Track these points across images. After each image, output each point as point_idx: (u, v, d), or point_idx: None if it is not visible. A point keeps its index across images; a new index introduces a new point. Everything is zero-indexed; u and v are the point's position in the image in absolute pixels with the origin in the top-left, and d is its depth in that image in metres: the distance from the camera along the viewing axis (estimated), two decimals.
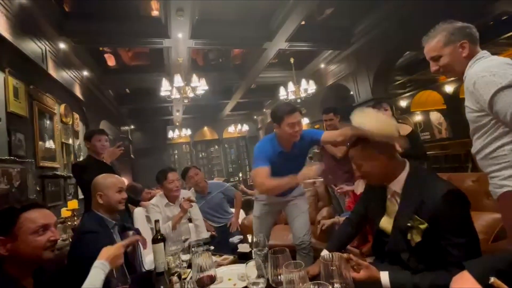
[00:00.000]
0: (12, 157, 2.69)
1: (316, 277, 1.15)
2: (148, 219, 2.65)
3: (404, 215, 1.13)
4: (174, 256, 1.41)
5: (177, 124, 10.21)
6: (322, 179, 3.23)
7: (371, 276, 1.07)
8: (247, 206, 3.61)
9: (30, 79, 3.26)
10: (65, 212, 3.04)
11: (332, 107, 3.14)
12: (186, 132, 9.98)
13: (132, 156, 9.04)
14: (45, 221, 1.09)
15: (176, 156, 10.95)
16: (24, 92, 3.08)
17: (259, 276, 1.05)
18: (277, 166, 1.84)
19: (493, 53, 1.22)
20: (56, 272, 1.27)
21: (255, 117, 11.49)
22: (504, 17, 5.46)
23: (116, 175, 1.77)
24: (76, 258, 1.36)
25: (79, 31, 4.09)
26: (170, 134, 10.13)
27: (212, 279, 1.07)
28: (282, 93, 5.85)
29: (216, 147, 11.50)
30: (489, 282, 0.69)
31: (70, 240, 2.37)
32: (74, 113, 4.64)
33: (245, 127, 10.73)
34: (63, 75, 4.26)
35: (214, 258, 1.60)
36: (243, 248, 1.74)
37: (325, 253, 1.31)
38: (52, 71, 3.80)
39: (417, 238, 1.06)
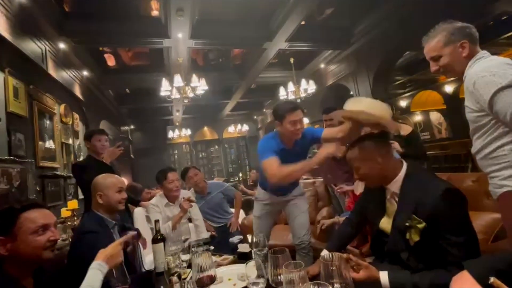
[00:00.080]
0: (12, 157, 2.70)
1: (316, 277, 1.15)
2: (148, 219, 2.65)
3: (402, 215, 1.13)
4: (174, 256, 1.41)
5: (177, 124, 10.21)
6: (322, 179, 3.23)
7: (370, 276, 1.07)
8: (247, 206, 3.61)
9: (30, 79, 3.26)
10: (65, 212, 3.04)
11: (332, 107, 3.13)
12: (186, 132, 9.98)
13: (132, 156, 9.04)
14: (45, 221, 1.09)
15: (176, 156, 10.94)
16: (24, 92, 3.08)
17: (259, 276, 1.05)
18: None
19: (493, 53, 1.22)
20: (56, 272, 1.27)
21: (255, 117, 11.49)
22: (504, 17, 5.46)
23: (116, 175, 1.77)
24: (76, 258, 1.36)
25: (79, 31, 4.09)
26: (170, 134, 10.13)
27: (212, 279, 1.07)
28: (282, 93, 5.85)
29: (216, 147, 11.50)
30: (489, 282, 0.69)
31: (70, 240, 2.37)
32: (74, 113, 4.64)
33: (245, 127, 10.72)
34: (63, 75, 4.26)
35: (214, 258, 1.60)
36: (243, 248, 1.74)
37: (325, 253, 1.31)
38: (52, 71, 3.80)
39: (415, 238, 1.07)
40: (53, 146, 3.73)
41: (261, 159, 1.76)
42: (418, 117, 10.31)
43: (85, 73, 5.09)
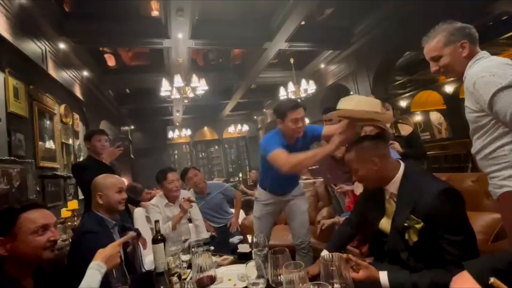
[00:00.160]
0: (12, 157, 2.70)
1: (316, 277, 1.15)
2: (148, 219, 2.65)
3: (401, 215, 1.14)
4: (174, 257, 1.41)
5: (177, 124, 10.21)
6: (322, 179, 3.22)
7: (370, 276, 1.07)
8: (247, 206, 3.61)
9: (30, 79, 3.26)
10: (65, 212, 3.04)
11: (332, 107, 3.12)
12: (186, 132, 9.98)
13: (132, 156, 9.04)
14: (45, 221, 1.09)
15: (176, 156, 10.94)
16: (24, 92, 3.08)
17: (259, 277, 1.05)
18: None
19: (493, 53, 1.22)
20: (56, 272, 1.27)
21: (255, 117, 11.49)
22: (504, 17, 5.46)
23: (116, 176, 1.77)
24: (76, 258, 1.36)
25: (79, 31, 4.09)
26: (170, 134, 10.13)
27: (212, 280, 1.07)
28: (282, 93, 5.85)
29: (216, 147, 11.50)
30: (489, 282, 0.69)
31: (70, 240, 2.37)
32: (74, 113, 4.64)
33: (245, 127, 10.72)
34: (63, 75, 4.26)
35: (214, 259, 1.60)
36: (243, 248, 1.74)
37: (325, 253, 1.32)
38: (52, 71, 3.80)
39: (414, 238, 1.07)
40: (53, 146, 3.73)
41: (268, 152, 1.74)
42: (418, 117, 10.32)
43: (85, 73, 5.10)
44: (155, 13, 4.36)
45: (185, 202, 2.38)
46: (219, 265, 1.58)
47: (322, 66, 6.54)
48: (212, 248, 1.96)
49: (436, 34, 1.27)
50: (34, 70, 3.39)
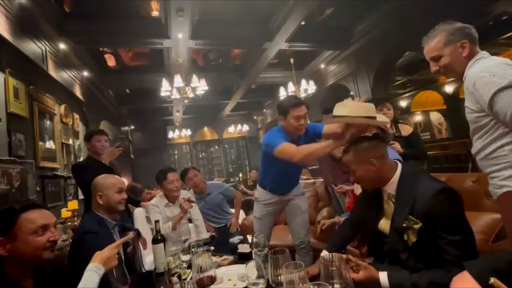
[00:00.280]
0: (12, 158, 2.70)
1: (316, 278, 1.15)
2: (148, 219, 2.65)
3: (399, 216, 1.14)
4: (174, 257, 1.41)
5: (177, 124, 10.21)
6: (322, 179, 3.23)
7: (370, 277, 1.07)
8: (247, 206, 3.61)
9: (30, 79, 3.26)
10: (65, 213, 3.04)
11: (332, 108, 3.13)
12: (186, 132, 9.98)
13: (132, 156, 9.04)
14: (45, 222, 1.09)
15: (176, 156, 10.94)
16: (24, 93, 3.08)
17: (259, 277, 1.05)
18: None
19: (493, 53, 1.22)
20: (56, 273, 1.27)
21: (255, 117, 11.49)
22: (504, 17, 5.47)
23: (116, 176, 1.77)
24: (76, 258, 1.36)
25: (79, 31, 4.09)
26: (170, 134, 10.13)
27: (212, 280, 1.07)
28: (282, 93, 5.84)
29: (216, 147, 11.49)
30: (489, 283, 0.69)
31: (70, 240, 2.37)
32: (74, 113, 4.64)
33: (245, 127, 10.73)
34: (63, 76, 4.26)
35: (214, 259, 1.60)
36: (243, 248, 1.74)
37: (325, 253, 1.31)
38: (52, 71, 3.80)
39: (413, 238, 1.07)
40: (53, 147, 3.73)
41: (274, 147, 1.73)
42: (418, 117, 10.32)
43: (85, 73, 5.10)
44: (155, 13, 4.36)
45: (185, 202, 2.38)
46: (219, 265, 1.58)
47: (322, 66, 6.54)
48: (212, 248, 1.95)
49: (436, 34, 1.27)
50: (34, 70, 3.39)
